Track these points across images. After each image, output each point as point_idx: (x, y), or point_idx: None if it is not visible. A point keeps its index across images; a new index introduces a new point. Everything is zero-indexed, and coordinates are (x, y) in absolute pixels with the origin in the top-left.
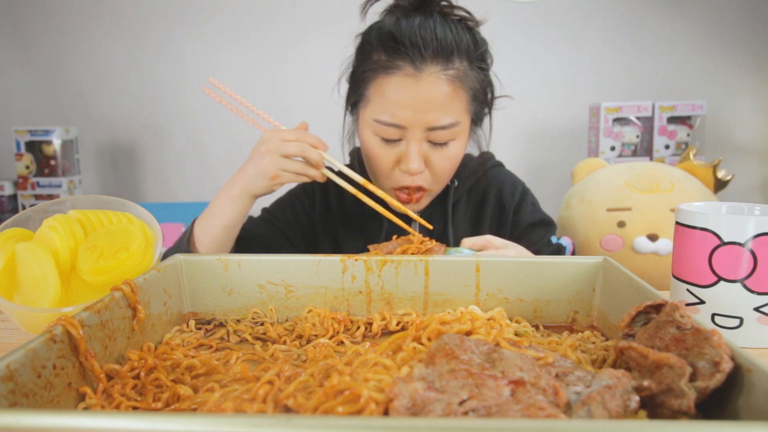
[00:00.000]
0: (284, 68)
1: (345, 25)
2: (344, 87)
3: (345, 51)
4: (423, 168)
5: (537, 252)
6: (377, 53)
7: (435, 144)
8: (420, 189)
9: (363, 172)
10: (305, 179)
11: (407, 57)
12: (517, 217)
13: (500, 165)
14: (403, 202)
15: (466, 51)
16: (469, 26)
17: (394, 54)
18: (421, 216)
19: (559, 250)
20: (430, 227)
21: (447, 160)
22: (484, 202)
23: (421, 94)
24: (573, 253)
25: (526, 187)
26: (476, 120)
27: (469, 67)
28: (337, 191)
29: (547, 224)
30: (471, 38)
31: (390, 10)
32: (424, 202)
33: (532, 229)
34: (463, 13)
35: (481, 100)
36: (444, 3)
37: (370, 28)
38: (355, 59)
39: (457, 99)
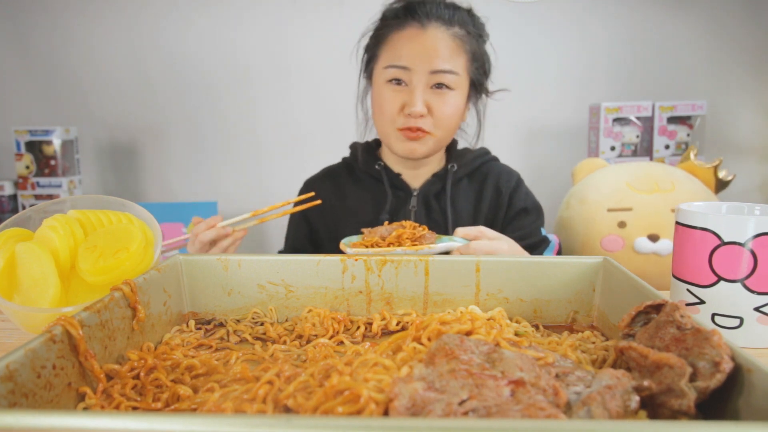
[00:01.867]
0: (284, 63)
1: (343, 15)
2: (356, 70)
3: (344, 33)
4: (425, 111)
5: (527, 236)
6: (393, 19)
7: (437, 89)
8: (421, 130)
9: (364, 166)
10: (227, 248)
11: (415, 17)
12: (511, 201)
13: (497, 159)
14: (406, 140)
15: (464, 22)
16: (470, 12)
17: (404, 17)
18: (422, 194)
19: (544, 241)
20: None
21: (448, 106)
22: (483, 186)
23: (427, 42)
24: (559, 251)
25: (521, 177)
26: (476, 85)
27: (468, 33)
28: (333, 185)
29: (538, 211)
30: (469, 15)
31: None
32: (428, 144)
33: (525, 213)
34: (467, 8)
35: (479, 65)
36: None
37: (389, 5)
38: (373, 29)
39: (458, 54)
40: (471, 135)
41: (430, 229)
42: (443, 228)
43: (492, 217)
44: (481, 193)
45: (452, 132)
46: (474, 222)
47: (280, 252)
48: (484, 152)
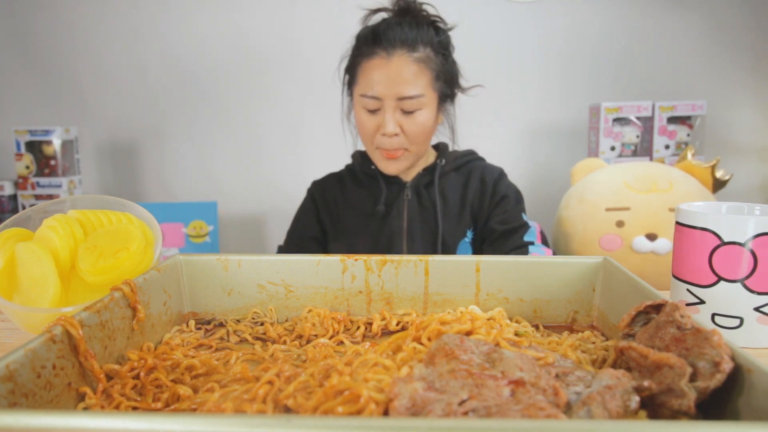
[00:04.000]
0: (286, 63)
1: (343, 14)
2: (339, 86)
3: (345, 33)
4: (397, 131)
5: (509, 220)
6: (364, 46)
7: (406, 112)
8: (398, 148)
9: (362, 168)
10: None
11: (381, 46)
12: (495, 189)
13: (483, 159)
14: (386, 159)
15: (430, 41)
16: (437, 26)
17: (373, 45)
18: (413, 185)
19: (524, 225)
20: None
21: (417, 125)
22: (470, 178)
23: (392, 72)
24: (542, 235)
25: (503, 171)
26: (443, 98)
27: (433, 53)
28: (338, 185)
29: (519, 197)
30: (435, 32)
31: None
32: (407, 159)
33: (507, 199)
34: (435, 18)
35: (446, 80)
36: (422, 12)
37: (361, 29)
38: (350, 52)
39: (422, 76)
40: (449, 135)
41: (421, 214)
42: (433, 212)
43: (478, 204)
44: (467, 183)
45: (426, 143)
46: (461, 209)
47: (281, 246)
48: (471, 152)
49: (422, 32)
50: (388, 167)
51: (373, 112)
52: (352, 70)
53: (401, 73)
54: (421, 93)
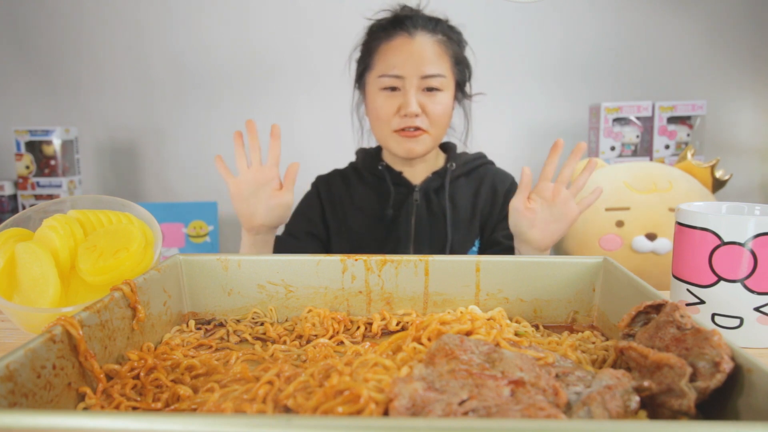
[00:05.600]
0: (286, 63)
1: (343, 14)
2: (351, 80)
3: (344, 33)
4: (419, 111)
5: None
6: (381, 32)
7: (428, 91)
8: (418, 128)
9: (366, 168)
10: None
11: (404, 27)
12: (506, 200)
13: (493, 163)
14: (405, 138)
15: (446, 31)
16: (449, 25)
17: (393, 28)
18: (422, 189)
19: None
20: None
21: (439, 106)
22: (481, 184)
23: (416, 50)
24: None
25: (515, 179)
26: (461, 85)
27: (450, 39)
28: (343, 182)
29: None
30: (448, 25)
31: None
32: (426, 143)
33: None
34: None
35: (462, 67)
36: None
37: (374, 21)
38: (362, 41)
39: (444, 58)
40: (460, 132)
41: (429, 220)
42: (442, 219)
43: (487, 212)
44: (478, 190)
45: (444, 129)
46: (471, 217)
47: (278, 236)
48: (481, 155)
49: (440, 23)
50: (405, 149)
51: (392, 92)
52: (366, 58)
53: (425, 51)
54: (444, 73)
